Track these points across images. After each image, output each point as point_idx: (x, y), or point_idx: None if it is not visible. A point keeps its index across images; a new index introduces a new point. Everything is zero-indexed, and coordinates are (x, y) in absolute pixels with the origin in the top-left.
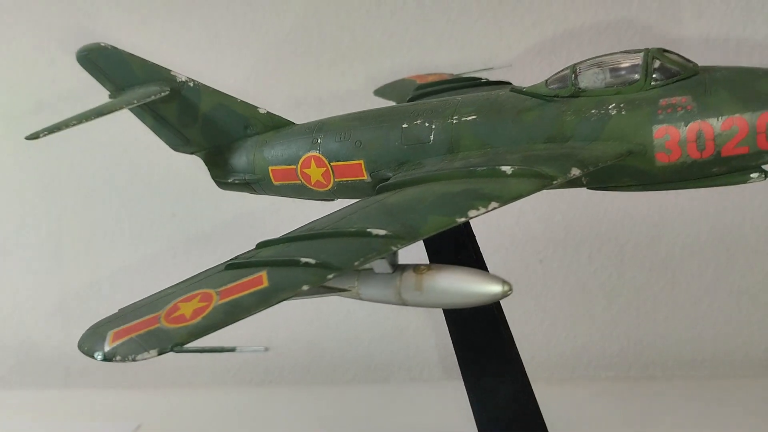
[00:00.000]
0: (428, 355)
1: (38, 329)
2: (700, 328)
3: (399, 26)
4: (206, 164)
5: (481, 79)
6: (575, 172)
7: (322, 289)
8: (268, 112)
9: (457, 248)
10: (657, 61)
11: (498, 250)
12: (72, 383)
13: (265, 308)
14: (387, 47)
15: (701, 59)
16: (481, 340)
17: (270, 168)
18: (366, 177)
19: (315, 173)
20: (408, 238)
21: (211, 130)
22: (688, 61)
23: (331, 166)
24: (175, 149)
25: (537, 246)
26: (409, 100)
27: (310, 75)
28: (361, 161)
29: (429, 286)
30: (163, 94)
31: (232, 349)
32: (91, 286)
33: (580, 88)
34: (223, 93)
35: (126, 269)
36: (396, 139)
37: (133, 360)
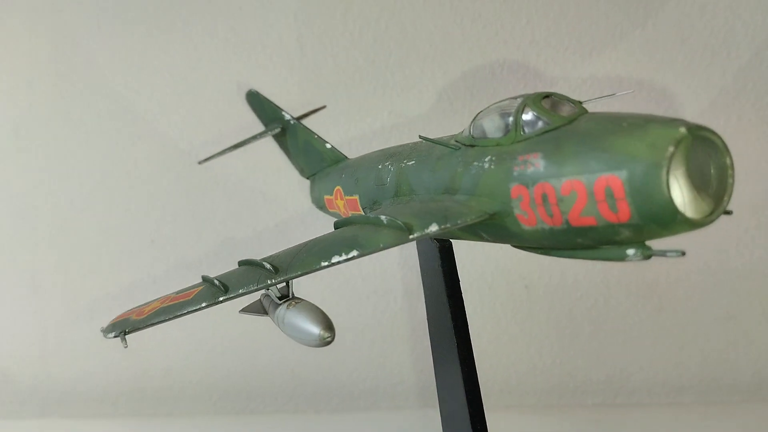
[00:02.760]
0: (412, 383)
1: (15, 359)
2: (687, 354)
3: (382, 51)
4: (310, 189)
5: None
6: (433, 228)
7: (259, 308)
8: (332, 147)
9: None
10: (528, 110)
11: (483, 275)
12: (49, 413)
13: (177, 317)
14: (369, 72)
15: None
16: (446, 367)
17: (324, 197)
18: (362, 212)
19: (340, 204)
20: (281, 276)
21: (307, 161)
22: (574, 107)
23: (345, 199)
24: (301, 174)
25: (522, 271)
26: None
27: (293, 101)
28: (357, 197)
29: (287, 320)
30: (276, 131)
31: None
32: (69, 314)
33: (474, 138)
34: (309, 130)
35: (104, 297)
36: (373, 179)
37: (104, 337)
